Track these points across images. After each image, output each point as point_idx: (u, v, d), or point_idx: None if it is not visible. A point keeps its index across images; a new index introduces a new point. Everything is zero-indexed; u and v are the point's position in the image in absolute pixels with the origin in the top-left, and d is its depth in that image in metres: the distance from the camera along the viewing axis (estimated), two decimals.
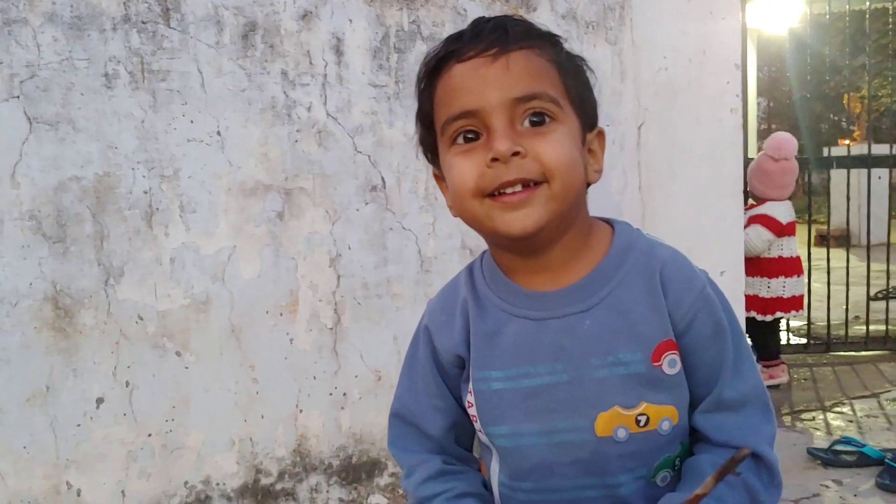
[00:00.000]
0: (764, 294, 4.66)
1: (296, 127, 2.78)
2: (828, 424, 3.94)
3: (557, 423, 1.00)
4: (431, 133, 1.05)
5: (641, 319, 1.00)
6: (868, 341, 5.42)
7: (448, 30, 3.01)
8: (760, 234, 4.51)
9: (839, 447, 3.46)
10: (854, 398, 4.37)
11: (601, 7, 3.35)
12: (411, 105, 2.93)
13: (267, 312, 2.76)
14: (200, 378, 2.70)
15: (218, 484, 2.74)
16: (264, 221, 2.74)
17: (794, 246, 4.68)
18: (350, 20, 2.85)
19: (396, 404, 1.18)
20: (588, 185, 1.05)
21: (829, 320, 5.40)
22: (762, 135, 16.29)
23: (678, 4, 3.59)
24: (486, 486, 1.13)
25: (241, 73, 2.71)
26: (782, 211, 4.54)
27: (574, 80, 1.03)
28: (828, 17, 5.58)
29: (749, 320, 4.74)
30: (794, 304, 4.65)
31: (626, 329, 0.99)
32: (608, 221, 1.10)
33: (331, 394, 2.87)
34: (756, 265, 4.64)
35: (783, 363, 4.75)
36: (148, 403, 2.64)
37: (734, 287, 3.87)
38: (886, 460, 3.24)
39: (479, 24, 1.01)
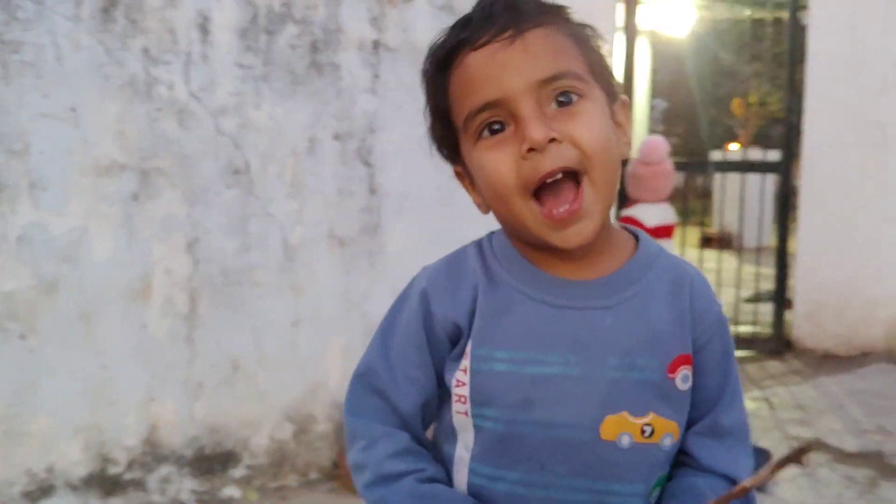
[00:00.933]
0: None
1: (155, 105, 2.69)
2: None
3: (560, 417, 0.93)
4: (450, 129, 0.97)
5: (663, 328, 0.96)
6: (738, 342, 5.60)
7: (321, 13, 2.96)
8: None
9: None
10: None
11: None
12: (281, 88, 2.88)
13: (119, 297, 2.67)
14: (46, 363, 2.60)
15: (62, 472, 2.64)
16: (118, 202, 2.65)
17: (668, 249, 4.71)
18: None
19: (363, 368, 1.03)
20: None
21: None
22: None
23: None
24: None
25: (100, 48, 2.61)
26: (651, 214, 4.54)
27: (593, 51, 0.96)
28: (712, 23, 5.74)
29: None
30: None
31: (646, 334, 0.95)
32: (624, 227, 1.06)
33: (185, 382, 2.80)
34: None
35: None
36: None
37: None
38: None
39: (486, 4, 0.93)
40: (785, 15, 5.76)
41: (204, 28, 2.76)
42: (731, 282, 5.72)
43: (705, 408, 0.99)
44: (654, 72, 10.74)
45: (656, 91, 13.75)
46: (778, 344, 5.59)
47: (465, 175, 1.01)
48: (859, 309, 5.52)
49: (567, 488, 0.93)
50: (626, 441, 0.93)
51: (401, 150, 3.14)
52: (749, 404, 4.33)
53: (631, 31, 5.08)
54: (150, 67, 2.68)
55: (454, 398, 0.98)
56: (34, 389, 2.59)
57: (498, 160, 0.90)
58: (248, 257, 2.87)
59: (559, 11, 0.96)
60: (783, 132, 5.97)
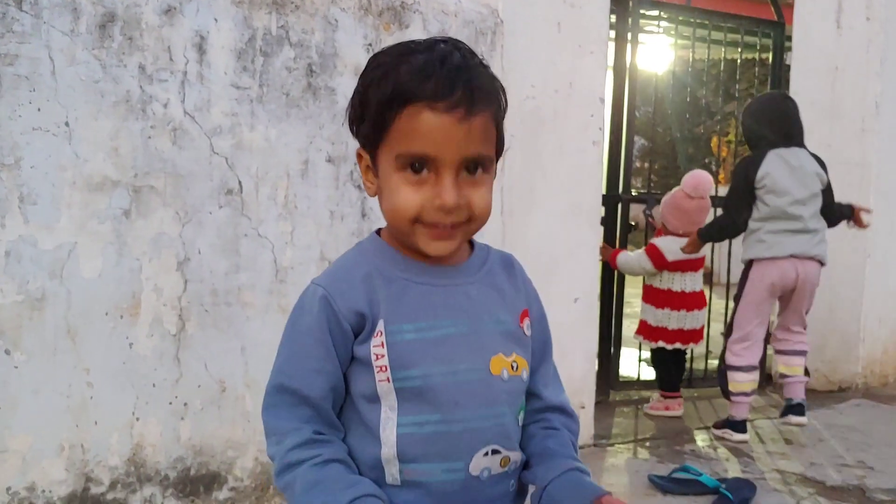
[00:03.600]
0: (651, 321, 4.77)
1: (150, 123, 2.69)
2: (672, 453, 4.05)
3: (460, 364, 1.23)
4: (377, 132, 1.19)
5: (509, 294, 1.33)
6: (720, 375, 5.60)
7: (318, 37, 2.98)
8: (643, 263, 4.63)
9: (678, 475, 3.55)
10: (700, 429, 4.52)
11: (473, 31, 3.38)
12: (275, 110, 2.89)
13: (106, 314, 2.64)
14: (31, 379, 2.56)
15: (44, 491, 2.60)
16: (109, 218, 2.63)
17: (690, 282, 4.74)
18: (216, 19, 2.79)
19: (277, 376, 1.26)
20: None
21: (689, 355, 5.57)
22: (637, 172, 16.79)
23: (549, 36, 3.67)
24: (351, 455, 1.25)
25: (96, 63, 2.61)
26: (674, 247, 4.62)
27: (501, 128, 1.25)
28: (691, 63, 5.83)
29: (653, 350, 4.85)
30: (678, 336, 4.73)
31: (500, 299, 1.31)
32: None
33: (170, 403, 2.77)
34: (649, 293, 4.79)
35: (679, 397, 4.86)
36: None
37: (588, 314, 3.96)
38: (721, 489, 3.35)
39: (450, 70, 1.15)
40: (767, 56, 5.85)
41: (201, 48, 2.77)
42: (713, 316, 5.75)
43: (539, 355, 1.36)
44: (635, 108, 10.81)
45: (637, 128, 13.86)
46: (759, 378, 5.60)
47: (367, 162, 1.26)
48: (838, 345, 5.57)
49: (476, 417, 1.24)
50: (505, 375, 1.27)
51: None
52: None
53: (622, 71, 5.15)
54: (145, 85, 2.69)
55: (376, 370, 1.22)
56: (16, 405, 2.55)
57: (411, 195, 1.18)
58: (239, 278, 2.86)
59: (498, 95, 1.23)
60: None
